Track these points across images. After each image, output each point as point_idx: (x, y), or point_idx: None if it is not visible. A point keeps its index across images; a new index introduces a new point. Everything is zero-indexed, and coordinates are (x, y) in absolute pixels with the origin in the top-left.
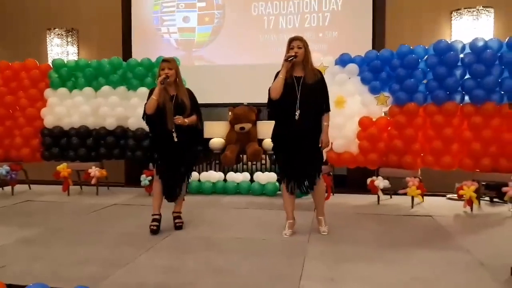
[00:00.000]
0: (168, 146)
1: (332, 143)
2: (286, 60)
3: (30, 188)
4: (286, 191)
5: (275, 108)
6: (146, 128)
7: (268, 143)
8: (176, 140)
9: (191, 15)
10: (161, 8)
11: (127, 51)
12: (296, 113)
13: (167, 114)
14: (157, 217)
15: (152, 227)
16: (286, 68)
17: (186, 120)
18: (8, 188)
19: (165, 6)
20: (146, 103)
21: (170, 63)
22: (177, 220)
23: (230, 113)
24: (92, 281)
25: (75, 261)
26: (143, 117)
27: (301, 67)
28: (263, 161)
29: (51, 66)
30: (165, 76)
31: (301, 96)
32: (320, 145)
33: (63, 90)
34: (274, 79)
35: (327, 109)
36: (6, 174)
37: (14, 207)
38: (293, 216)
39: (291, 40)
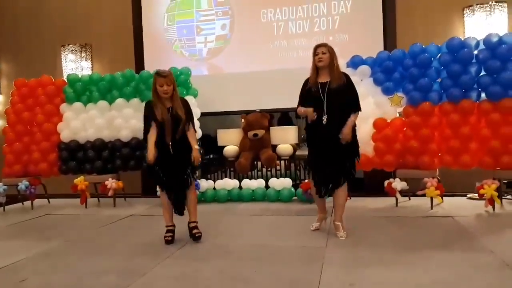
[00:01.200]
0: (167, 159)
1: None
2: (310, 115)
3: (49, 202)
4: (314, 188)
5: (302, 116)
6: None
7: (282, 148)
8: (172, 152)
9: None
10: (197, 17)
11: (139, 64)
12: (324, 118)
13: (166, 128)
14: (170, 228)
15: (166, 238)
16: (304, 114)
17: (196, 147)
18: (28, 203)
19: (203, 15)
20: (145, 128)
21: (168, 78)
22: (195, 231)
23: (242, 120)
24: None
25: (93, 273)
26: (144, 138)
27: (327, 72)
28: (278, 167)
29: (66, 81)
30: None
31: (327, 102)
32: (341, 137)
33: (78, 105)
34: (302, 87)
35: (355, 108)
36: (25, 189)
37: (34, 221)
38: (324, 210)
39: (316, 47)
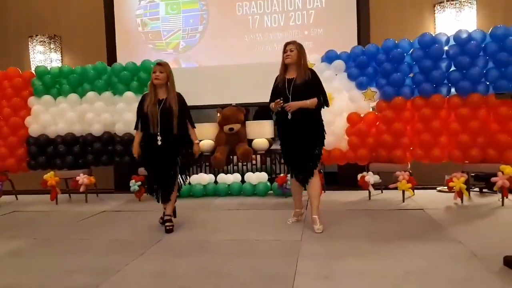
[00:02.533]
0: (153, 150)
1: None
2: (276, 105)
3: (17, 198)
4: (292, 181)
5: (275, 111)
6: (134, 133)
7: (257, 143)
8: (160, 143)
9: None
10: (200, 7)
11: (111, 56)
12: (289, 113)
13: (150, 120)
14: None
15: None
16: (275, 109)
17: (196, 141)
18: None
19: (204, 4)
20: (137, 126)
21: (162, 66)
22: (167, 224)
23: (218, 114)
24: None
25: (64, 271)
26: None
27: (295, 69)
28: (254, 161)
29: (34, 73)
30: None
31: (292, 97)
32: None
33: (47, 98)
34: (274, 83)
35: (318, 100)
36: None
37: (0, 219)
38: (300, 206)
39: (285, 45)
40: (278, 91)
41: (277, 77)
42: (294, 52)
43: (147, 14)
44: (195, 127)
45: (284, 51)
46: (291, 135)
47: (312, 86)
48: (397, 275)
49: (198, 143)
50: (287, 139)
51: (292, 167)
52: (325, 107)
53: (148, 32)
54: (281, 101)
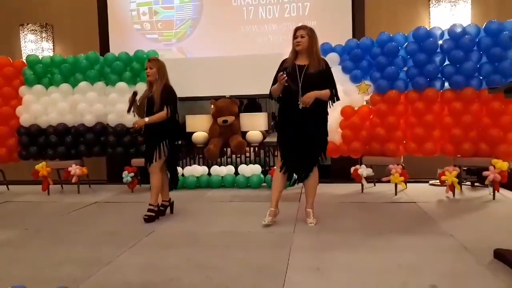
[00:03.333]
0: (144, 137)
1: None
2: (280, 80)
3: (8, 189)
4: (277, 176)
5: (278, 99)
6: (126, 124)
7: (251, 135)
8: (143, 132)
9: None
10: None
11: (104, 46)
12: (299, 103)
13: (142, 111)
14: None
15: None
16: (280, 85)
17: (145, 119)
18: None
19: None
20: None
21: (151, 62)
22: (146, 213)
23: (212, 106)
24: (73, 282)
25: (55, 262)
26: None
27: (306, 56)
28: (247, 154)
29: (25, 62)
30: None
31: (303, 86)
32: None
33: (38, 87)
34: (278, 67)
35: (331, 93)
36: None
37: None
38: (277, 205)
39: (296, 30)
40: (287, 75)
41: (284, 61)
42: (305, 38)
43: (158, 2)
44: (173, 119)
45: (295, 37)
46: (299, 126)
47: (325, 77)
48: (389, 267)
49: (145, 120)
50: (293, 130)
51: (291, 160)
52: (335, 101)
53: (158, 21)
54: (285, 75)
